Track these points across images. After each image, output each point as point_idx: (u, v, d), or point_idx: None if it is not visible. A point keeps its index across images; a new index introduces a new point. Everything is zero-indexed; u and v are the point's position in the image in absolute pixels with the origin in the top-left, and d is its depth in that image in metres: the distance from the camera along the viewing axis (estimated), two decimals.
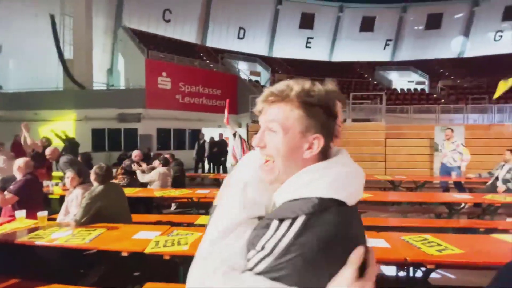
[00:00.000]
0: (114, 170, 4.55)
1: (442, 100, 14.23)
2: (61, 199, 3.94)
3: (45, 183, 4.27)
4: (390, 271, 2.61)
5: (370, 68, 19.43)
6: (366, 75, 18.97)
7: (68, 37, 13.28)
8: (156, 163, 5.17)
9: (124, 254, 2.02)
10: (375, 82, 17.99)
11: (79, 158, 5.11)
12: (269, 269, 0.57)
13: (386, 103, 10.77)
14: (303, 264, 0.56)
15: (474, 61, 18.74)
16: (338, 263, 0.59)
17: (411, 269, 2.25)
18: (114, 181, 3.78)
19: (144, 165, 5.29)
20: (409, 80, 18.88)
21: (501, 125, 9.25)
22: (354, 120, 9.48)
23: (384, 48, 21.87)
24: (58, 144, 5.96)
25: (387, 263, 2.23)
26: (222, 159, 9.27)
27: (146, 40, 14.28)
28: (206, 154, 9.51)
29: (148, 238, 2.16)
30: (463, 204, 4.03)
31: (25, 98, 10.96)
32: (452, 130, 5.90)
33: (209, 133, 10.42)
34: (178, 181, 5.38)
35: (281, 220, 0.59)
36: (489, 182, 4.64)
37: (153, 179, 4.81)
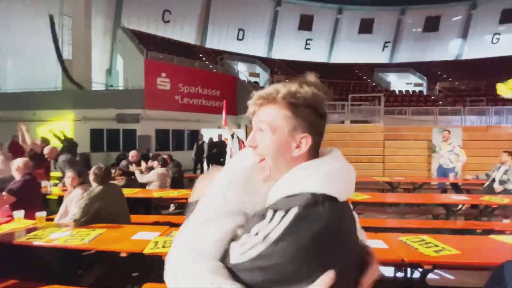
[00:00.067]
0: (112, 171, 4.55)
1: (440, 102, 14.31)
2: (60, 199, 3.93)
3: (43, 183, 4.26)
4: (388, 271, 2.62)
5: (368, 70, 19.51)
6: (364, 77, 19.04)
7: (67, 37, 13.26)
8: (154, 163, 5.17)
9: (123, 254, 2.02)
10: (373, 84, 18.06)
11: (77, 159, 5.11)
12: (261, 256, 0.59)
13: (385, 105, 10.83)
14: (294, 254, 0.58)
15: (472, 64, 18.86)
16: (329, 256, 0.60)
17: (408, 269, 2.26)
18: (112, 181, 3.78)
19: (143, 165, 5.29)
20: (408, 82, 18.98)
21: (499, 127, 9.32)
22: (352, 122, 9.51)
23: (383, 50, 21.97)
24: (56, 144, 5.96)
25: (385, 263, 2.24)
26: (221, 160, 9.27)
27: (145, 41, 14.28)
28: (205, 155, 9.51)
29: (147, 238, 2.16)
30: (460, 206, 4.06)
31: (24, 98, 10.94)
32: (449, 132, 5.96)
33: (208, 134, 10.41)
34: (176, 182, 5.38)
35: (275, 211, 0.62)
36: (486, 184, 4.67)
37: (152, 179, 4.81)
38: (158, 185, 4.77)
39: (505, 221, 3.83)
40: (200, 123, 12.38)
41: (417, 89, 17.52)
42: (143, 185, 4.93)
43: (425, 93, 16.57)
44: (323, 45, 21.83)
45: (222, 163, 9.31)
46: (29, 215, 2.63)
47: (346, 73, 19.28)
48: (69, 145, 6.05)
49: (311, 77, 0.73)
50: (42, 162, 4.94)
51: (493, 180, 4.54)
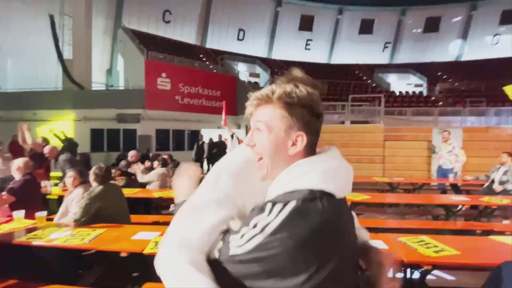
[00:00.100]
0: (112, 171, 4.55)
1: (440, 103, 14.31)
2: (59, 199, 3.93)
3: (43, 183, 4.26)
4: (388, 273, 2.62)
5: (369, 71, 19.52)
6: (365, 78, 19.04)
7: (68, 37, 13.26)
8: (155, 163, 5.18)
9: (123, 254, 2.02)
10: (373, 85, 18.06)
11: (77, 158, 5.11)
12: (260, 247, 0.61)
13: (385, 106, 10.83)
14: (292, 246, 0.59)
15: (472, 65, 18.87)
16: (326, 251, 0.62)
17: (408, 270, 2.26)
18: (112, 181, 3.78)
19: (141, 166, 5.30)
20: (408, 83, 18.98)
21: (499, 128, 9.32)
22: (352, 122, 9.51)
23: (383, 50, 21.97)
24: (56, 144, 5.96)
25: None
26: None
27: (145, 41, 14.29)
28: (205, 155, 9.51)
29: (147, 238, 2.16)
30: (460, 206, 4.06)
31: (24, 98, 10.93)
32: (449, 133, 5.97)
33: (208, 134, 10.42)
34: None
35: (274, 204, 0.64)
36: (486, 184, 4.68)
37: (152, 179, 4.82)
38: (158, 185, 4.78)
39: (505, 222, 3.83)
40: (200, 123, 12.39)
41: (417, 89, 17.51)
42: (143, 185, 4.93)
43: (425, 93, 16.57)
44: (323, 45, 21.84)
45: None
46: (29, 215, 2.63)
47: (347, 73, 19.28)
48: (70, 145, 6.06)
49: (297, 72, 0.76)
50: (42, 162, 4.95)
51: (493, 181, 4.54)
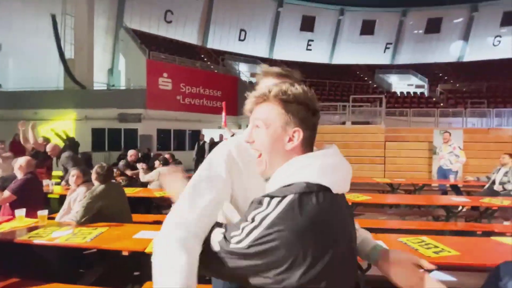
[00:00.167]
0: (114, 170, 4.57)
1: (441, 104, 14.30)
2: (61, 198, 3.95)
3: (44, 182, 4.27)
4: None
5: (370, 71, 19.51)
6: (366, 78, 19.04)
7: (69, 36, 13.30)
8: (156, 163, 5.18)
9: (125, 253, 2.03)
10: (374, 85, 18.06)
11: (79, 157, 5.13)
12: (258, 240, 0.62)
13: (386, 106, 10.81)
14: (290, 238, 0.60)
15: (473, 66, 18.85)
16: (323, 243, 0.63)
17: None
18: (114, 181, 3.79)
19: (144, 165, 5.31)
20: (409, 84, 18.97)
21: (500, 129, 9.30)
22: (353, 123, 9.51)
23: (384, 51, 21.97)
24: (58, 143, 5.97)
25: None
26: None
27: (147, 41, 14.32)
28: (206, 155, 9.51)
29: (149, 237, 2.16)
30: (460, 207, 4.06)
31: (25, 97, 10.97)
32: (450, 134, 5.97)
33: (209, 134, 10.43)
34: None
35: (272, 198, 0.66)
36: (486, 186, 4.67)
37: (153, 179, 4.82)
38: (159, 185, 4.78)
39: (506, 223, 3.83)
40: (202, 123, 12.41)
41: (418, 90, 17.50)
42: (143, 185, 4.94)
43: (426, 94, 16.56)
44: (324, 46, 21.85)
45: None
46: (30, 214, 2.63)
47: (348, 74, 19.28)
48: (71, 144, 6.07)
49: (276, 68, 0.88)
50: (43, 161, 4.96)
51: (493, 182, 4.54)
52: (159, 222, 3.22)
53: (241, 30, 20.16)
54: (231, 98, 12.14)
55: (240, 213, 0.89)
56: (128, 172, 5.24)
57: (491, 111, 11.67)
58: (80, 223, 2.48)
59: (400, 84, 19.00)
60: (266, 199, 0.66)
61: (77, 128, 10.84)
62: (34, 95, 11.03)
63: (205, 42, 19.12)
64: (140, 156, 6.92)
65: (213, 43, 19.30)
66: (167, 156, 5.36)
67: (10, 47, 13.11)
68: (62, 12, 13.42)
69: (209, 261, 0.68)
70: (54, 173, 5.54)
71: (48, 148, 4.64)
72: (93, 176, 2.73)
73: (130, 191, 4.00)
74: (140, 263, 2.34)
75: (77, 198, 2.88)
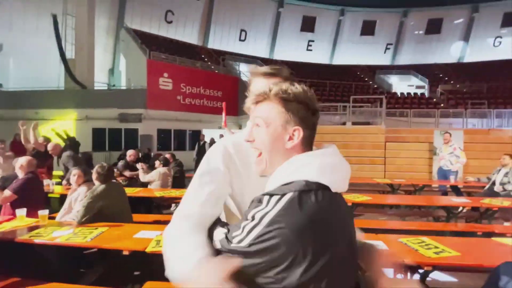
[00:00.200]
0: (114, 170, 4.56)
1: (442, 105, 14.29)
2: (61, 198, 3.95)
3: (45, 182, 4.27)
4: (387, 273, 2.62)
5: (370, 72, 19.51)
6: (366, 79, 19.03)
7: (70, 36, 13.32)
8: (156, 163, 5.19)
9: (125, 253, 2.03)
10: (375, 86, 18.05)
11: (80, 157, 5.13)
12: (259, 238, 0.63)
13: (386, 107, 10.82)
14: (289, 235, 0.61)
15: (474, 66, 18.85)
16: (322, 241, 0.63)
17: (408, 271, 2.26)
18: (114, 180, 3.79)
19: (144, 165, 5.31)
20: (409, 84, 18.96)
21: (500, 130, 9.30)
22: (354, 123, 9.51)
23: (385, 52, 21.97)
24: (59, 142, 5.98)
25: None
26: None
27: (148, 41, 14.33)
28: None
29: (149, 237, 2.17)
30: (461, 208, 4.05)
31: (26, 97, 10.98)
32: (450, 134, 5.97)
33: (210, 134, 10.44)
34: (177, 182, 5.40)
35: (271, 196, 0.67)
36: (486, 186, 4.67)
37: (153, 179, 4.83)
38: (160, 185, 4.79)
39: (506, 224, 3.83)
40: (202, 124, 12.41)
41: (419, 91, 17.49)
42: (144, 185, 4.94)
43: (426, 95, 16.56)
44: (325, 46, 21.85)
45: None
46: (31, 214, 2.64)
47: (348, 74, 19.28)
48: (72, 144, 6.09)
49: (263, 68, 0.94)
50: (44, 161, 4.97)
51: (493, 183, 4.54)
52: (159, 222, 3.22)
53: (242, 30, 20.18)
54: (232, 98, 12.16)
55: (238, 210, 0.92)
56: (127, 173, 5.24)
57: (491, 112, 11.67)
58: (80, 223, 2.48)
59: (401, 84, 18.99)
60: (266, 198, 0.67)
61: (78, 128, 10.85)
62: (35, 95, 11.05)
63: (205, 42, 19.13)
64: (140, 156, 6.93)
65: (214, 43, 19.31)
66: (167, 156, 5.36)
67: (11, 47, 13.13)
68: (63, 12, 13.44)
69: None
70: (55, 172, 5.55)
71: (50, 147, 4.66)
72: (94, 176, 2.74)
73: (130, 191, 4.00)
74: (140, 263, 2.35)
75: (78, 198, 2.89)
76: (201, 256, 0.68)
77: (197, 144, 9.76)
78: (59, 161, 4.74)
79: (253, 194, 0.73)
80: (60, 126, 8.79)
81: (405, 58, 21.46)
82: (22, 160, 3.10)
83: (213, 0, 18.62)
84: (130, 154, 5.50)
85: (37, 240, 2.15)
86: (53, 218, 2.95)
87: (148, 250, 1.95)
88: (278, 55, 20.91)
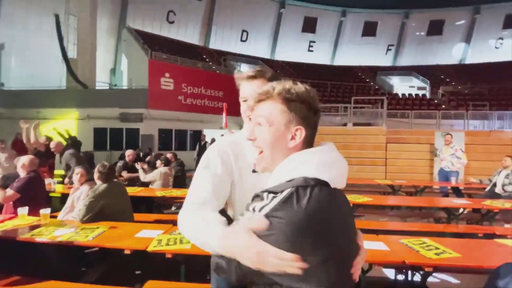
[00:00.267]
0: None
1: (443, 106, 14.28)
2: (63, 197, 3.96)
3: (46, 181, 4.28)
4: (388, 273, 2.63)
5: (371, 73, 19.51)
6: (367, 80, 19.03)
7: (72, 36, 13.37)
8: (157, 163, 5.20)
9: (127, 252, 2.04)
10: (376, 87, 18.05)
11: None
12: None
13: (387, 108, 10.81)
14: (287, 230, 0.62)
15: (475, 68, 18.82)
16: (320, 236, 0.63)
17: (409, 272, 2.27)
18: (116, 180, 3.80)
19: (144, 165, 5.32)
20: (410, 85, 18.94)
21: (501, 132, 9.29)
22: (355, 124, 9.50)
23: (386, 53, 21.96)
24: (61, 140, 5.99)
25: (386, 265, 2.25)
26: None
27: (149, 41, 14.36)
28: None
29: (150, 236, 2.17)
30: (462, 210, 4.05)
31: (28, 97, 11.01)
32: (452, 136, 5.96)
33: (211, 134, 10.45)
34: (179, 181, 5.40)
35: (271, 192, 0.68)
36: (487, 188, 4.66)
37: (154, 178, 4.83)
38: (161, 184, 4.80)
39: (507, 225, 3.82)
40: (203, 124, 12.42)
41: (420, 92, 17.48)
42: (145, 184, 4.95)
43: (428, 96, 16.54)
44: (326, 47, 21.86)
45: None
46: (33, 212, 2.65)
47: (349, 75, 19.28)
48: (73, 143, 6.10)
49: (245, 73, 1.01)
50: (46, 160, 4.98)
51: (495, 184, 4.53)
52: (160, 221, 3.22)
53: (243, 31, 20.20)
54: (233, 98, 12.08)
55: (236, 208, 0.99)
56: (125, 174, 5.24)
57: (493, 114, 11.65)
58: (82, 222, 2.49)
59: (402, 85, 18.98)
60: (266, 194, 0.68)
61: (79, 128, 10.88)
62: (37, 94, 11.07)
63: (207, 43, 19.17)
64: (141, 155, 6.94)
65: (215, 43, 19.34)
66: (169, 155, 5.37)
67: (13, 46, 13.17)
68: (65, 12, 13.48)
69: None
70: (56, 171, 5.56)
71: (52, 145, 4.67)
72: (96, 175, 2.75)
73: (131, 190, 4.01)
74: (141, 262, 2.35)
75: (81, 197, 2.90)
76: (222, 227, 0.74)
77: (198, 144, 9.77)
78: (61, 159, 4.76)
79: (242, 192, 0.87)
80: (61, 125, 8.81)
81: (407, 59, 21.44)
82: (24, 159, 3.11)
83: (214, 1, 18.66)
84: (128, 154, 5.50)
85: (38, 239, 2.16)
86: (55, 217, 2.96)
87: (149, 249, 1.96)
88: (279, 56, 20.92)
